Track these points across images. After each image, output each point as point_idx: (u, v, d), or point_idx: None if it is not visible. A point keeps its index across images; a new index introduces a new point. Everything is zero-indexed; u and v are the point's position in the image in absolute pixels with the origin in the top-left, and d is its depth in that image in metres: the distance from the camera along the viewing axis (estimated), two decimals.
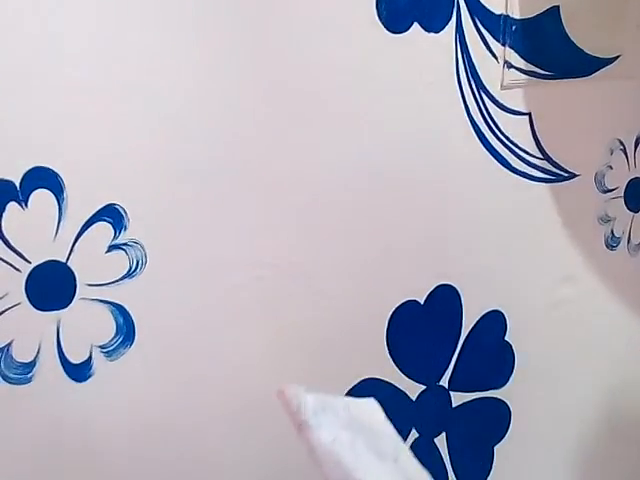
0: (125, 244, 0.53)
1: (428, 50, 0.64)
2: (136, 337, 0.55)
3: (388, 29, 0.62)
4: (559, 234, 0.77)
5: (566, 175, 0.75)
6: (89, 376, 0.53)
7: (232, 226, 0.58)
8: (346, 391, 0.66)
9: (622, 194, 0.80)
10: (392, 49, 0.63)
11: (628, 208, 0.81)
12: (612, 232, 0.80)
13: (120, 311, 0.54)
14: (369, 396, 0.66)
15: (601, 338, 0.82)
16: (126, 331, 0.54)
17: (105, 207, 0.52)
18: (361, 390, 0.67)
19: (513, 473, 0.79)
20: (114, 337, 0.54)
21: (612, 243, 0.81)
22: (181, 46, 0.54)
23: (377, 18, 0.61)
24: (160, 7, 0.52)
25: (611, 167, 0.78)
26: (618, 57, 0.74)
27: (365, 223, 0.65)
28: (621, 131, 0.77)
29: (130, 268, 0.54)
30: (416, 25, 0.63)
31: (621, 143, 0.78)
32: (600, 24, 0.73)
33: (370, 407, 0.51)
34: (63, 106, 0.50)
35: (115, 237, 0.53)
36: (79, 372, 0.53)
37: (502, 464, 0.77)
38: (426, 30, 0.64)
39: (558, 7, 0.70)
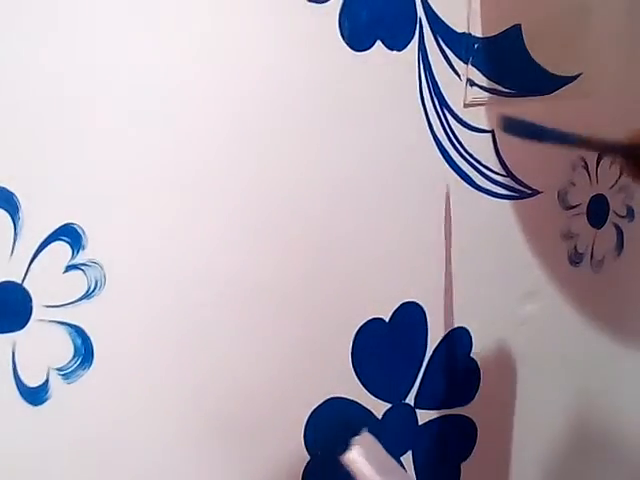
0: (83, 264, 0.52)
1: (391, 68, 0.65)
2: (95, 359, 0.53)
3: (351, 47, 0.62)
4: (523, 250, 0.77)
5: (529, 192, 0.76)
6: (46, 399, 0.52)
7: (194, 244, 0.57)
8: (311, 410, 0.66)
9: (585, 210, 0.81)
10: (355, 67, 0.63)
11: (591, 224, 0.82)
12: (575, 248, 0.81)
13: (78, 332, 0.53)
14: (335, 415, 0.66)
15: (566, 353, 0.83)
16: (84, 353, 0.53)
17: (62, 227, 0.51)
18: (326, 409, 0.66)
19: None
20: (72, 359, 0.53)
21: (575, 259, 0.81)
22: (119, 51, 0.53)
23: (339, 36, 0.61)
24: None
25: (574, 184, 0.79)
26: (579, 75, 0.75)
27: (329, 241, 0.64)
28: None
29: (88, 289, 0.53)
30: (379, 43, 0.63)
31: (583, 160, 0.79)
32: (561, 43, 0.74)
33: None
34: (18, 123, 0.49)
35: (73, 257, 0.52)
36: (35, 395, 0.52)
37: None
38: (389, 48, 0.64)
39: (520, 26, 0.70)
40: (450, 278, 0.72)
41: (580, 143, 0.63)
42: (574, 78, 0.75)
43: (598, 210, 0.82)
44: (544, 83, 0.73)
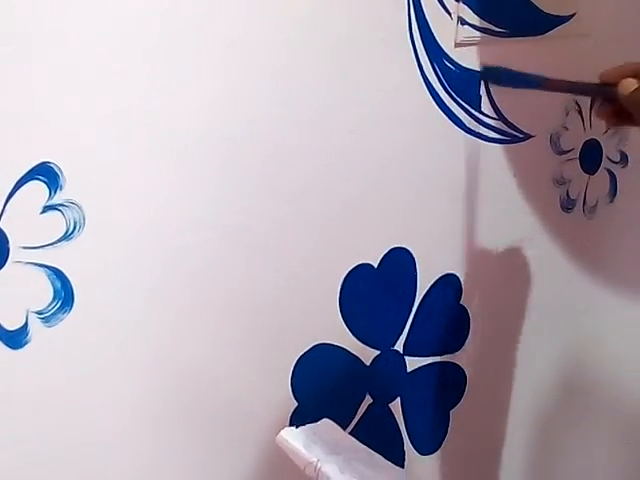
0: (61, 205, 0.51)
1: (380, 5, 0.62)
2: (75, 302, 0.52)
3: None
4: (515, 196, 0.76)
5: (521, 136, 0.74)
6: (25, 343, 0.51)
7: (177, 184, 0.55)
8: (298, 356, 0.65)
9: (577, 156, 0.80)
10: (342, 4, 0.60)
11: (584, 170, 0.81)
12: (567, 194, 0.80)
13: (57, 275, 0.51)
14: (322, 361, 0.66)
15: (557, 300, 0.82)
16: (64, 296, 0.52)
17: (38, 165, 0.49)
18: (314, 355, 0.66)
19: (469, 437, 0.79)
20: (51, 302, 0.51)
21: (568, 205, 0.80)
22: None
23: None
24: None
25: (567, 128, 0.78)
26: (573, 15, 0.73)
27: (314, 183, 0.63)
28: None
29: (67, 230, 0.51)
30: None
31: (577, 104, 0.78)
32: None
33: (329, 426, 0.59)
34: None
35: (50, 197, 0.50)
36: (15, 339, 0.50)
37: (458, 428, 0.77)
38: None
39: None
40: (441, 224, 0.71)
41: (551, 85, 0.64)
42: (568, 18, 0.73)
43: (591, 155, 0.81)
44: (538, 23, 0.71)
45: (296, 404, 0.65)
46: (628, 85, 0.58)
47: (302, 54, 0.59)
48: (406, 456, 0.73)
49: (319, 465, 0.53)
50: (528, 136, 0.75)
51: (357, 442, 0.57)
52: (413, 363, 0.73)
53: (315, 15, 0.60)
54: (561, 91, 0.64)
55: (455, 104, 0.69)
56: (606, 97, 0.61)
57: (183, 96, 0.55)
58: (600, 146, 0.81)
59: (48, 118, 0.49)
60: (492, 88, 0.70)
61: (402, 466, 0.73)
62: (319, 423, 0.58)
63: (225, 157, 0.58)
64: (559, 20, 0.73)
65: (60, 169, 0.50)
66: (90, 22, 0.50)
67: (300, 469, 0.55)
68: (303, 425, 0.58)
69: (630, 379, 0.89)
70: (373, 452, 0.56)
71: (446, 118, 0.69)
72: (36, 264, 0.51)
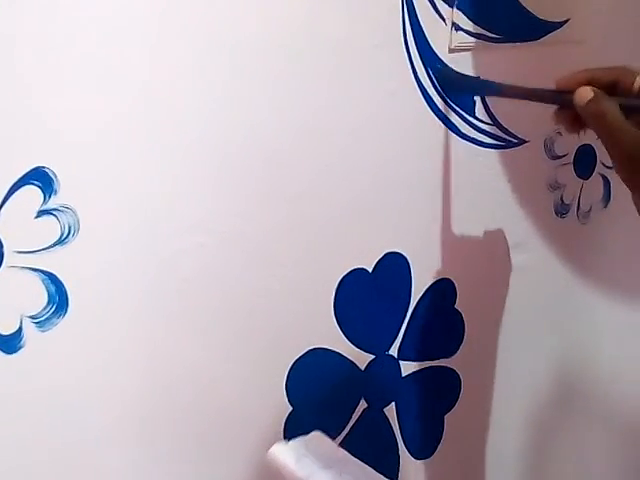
0: (56, 209, 0.51)
1: (374, 11, 0.63)
2: (70, 307, 0.52)
3: None
4: (509, 201, 0.76)
5: (515, 141, 0.75)
6: (19, 348, 0.51)
7: (172, 189, 0.55)
8: (293, 361, 0.65)
9: (571, 161, 0.80)
10: (338, 9, 0.61)
11: (577, 175, 0.81)
12: (562, 199, 0.80)
13: (51, 279, 0.51)
14: (317, 366, 0.66)
15: (551, 305, 0.82)
16: (58, 300, 0.52)
17: (32, 170, 0.49)
18: (309, 360, 0.66)
19: (464, 442, 0.79)
20: (46, 307, 0.51)
21: (562, 210, 0.81)
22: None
23: None
24: None
25: (560, 133, 0.78)
26: (567, 21, 0.74)
27: (309, 188, 0.63)
28: None
29: (62, 234, 0.51)
30: None
31: None
32: None
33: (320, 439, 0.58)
34: None
35: (44, 202, 0.50)
36: (9, 344, 0.50)
37: (452, 433, 0.77)
38: None
39: None
40: (436, 229, 0.71)
41: (509, 92, 0.63)
42: (562, 24, 0.73)
43: (585, 160, 0.81)
44: (532, 28, 0.72)
45: (291, 408, 0.65)
46: (584, 94, 0.56)
47: (298, 59, 0.60)
48: (401, 461, 0.73)
49: None
50: (522, 141, 0.75)
51: (348, 455, 0.57)
52: (408, 367, 0.73)
53: (311, 21, 0.60)
54: (519, 98, 0.63)
55: (449, 109, 0.69)
56: (562, 104, 0.59)
57: (179, 101, 0.55)
58: (594, 151, 0.82)
59: (43, 123, 0.49)
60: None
61: (396, 472, 0.73)
62: (309, 436, 0.58)
63: (220, 162, 0.58)
64: (553, 26, 0.73)
65: (55, 174, 0.50)
66: (86, 26, 0.50)
67: None
68: (294, 438, 0.58)
69: (625, 384, 0.89)
70: (365, 465, 0.56)
71: (441, 124, 0.69)
72: (31, 268, 0.51)
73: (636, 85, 0.57)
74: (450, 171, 0.71)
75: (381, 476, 0.55)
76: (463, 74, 0.67)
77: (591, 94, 0.56)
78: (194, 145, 0.56)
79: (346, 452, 0.57)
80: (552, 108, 0.74)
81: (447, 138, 0.70)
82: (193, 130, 0.56)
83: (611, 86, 0.57)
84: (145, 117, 0.53)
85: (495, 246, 0.76)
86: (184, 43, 0.54)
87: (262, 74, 0.58)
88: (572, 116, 0.58)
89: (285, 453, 0.55)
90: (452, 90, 0.67)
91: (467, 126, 0.71)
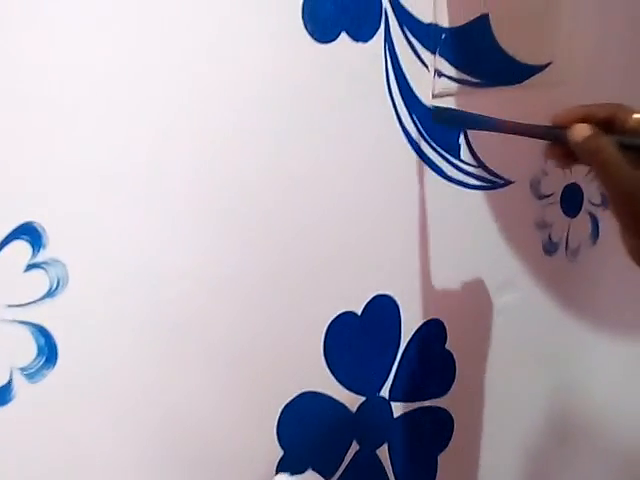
0: (45, 262, 0.52)
1: (357, 59, 0.64)
2: (59, 358, 0.53)
3: (315, 39, 0.61)
4: (497, 241, 0.77)
5: (502, 182, 0.76)
6: (10, 400, 0.52)
7: (158, 240, 0.56)
8: (284, 405, 0.65)
9: (558, 200, 0.81)
10: (320, 59, 0.62)
11: (565, 213, 0.82)
12: (550, 237, 0.81)
13: (41, 332, 0.52)
14: (308, 409, 0.66)
15: (541, 344, 0.83)
16: (48, 352, 0.53)
17: (22, 225, 0.51)
18: (299, 404, 0.66)
19: None
20: (35, 359, 0.52)
21: (550, 248, 0.81)
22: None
23: (304, 27, 0.61)
24: None
25: (546, 173, 0.79)
26: (549, 64, 0.75)
27: (296, 234, 0.64)
28: None
29: (50, 287, 0.52)
30: (344, 34, 0.63)
31: None
32: (530, 32, 0.74)
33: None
34: None
35: (33, 256, 0.51)
36: (0, 395, 0.51)
37: (446, 473, 0.77)
38: (354, 39, 0.63)
39: (487, 15, 0.70)
40: (424, 270, 0.72)
41: (502, 127, 0.63)
42: (544, 67, 0.75)
43: (572, 199, 0.82)
44: (514, 72, 0.73)
45: (282, 453, 0.66)
46: (580, 131, 0.56)
47: (283, 111, 0.61)
48: None
49: None
50: (508, 182, 0.76)
51: None
52: (399, 408, 0.73)
53: (293, 70, 0.61)
54: (512, 132, 0.63)
55: (435, 153, 0.70)
56: (556, 139, 0.59)
57: (168, 150, 0.56)
58: (581, 189, 0.83)
59: (32, 178, 0.51)
60: (471, 136, 0.72)
61: None
62: (304, 475, 0.58)
63: (208, 211, 0.59)
64: (535, 69, 0.74)
65: (43, 228, 0.52)
66: (78, 74, 0.51)
67: None
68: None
69: (617, 420, 0.89)
70: None
71: (427, 167, 0.70)
72: (20, 321, 0.51)
73: (631, 122, 0.56)
74: (437, 213, 0.72)
75: None
76: (456, 110, 0.68)
77: (589, 131, 0.56)
78: (182, 194, 0.57)
79: None
80: (538, 148, 0.76)
81: (434, 182, 0.71)
82: (182, 181, 0.57)
83: (606, 123, 0.57)
84: (132, 168, 0.55)
85: (484, 286, 0.77)
86: (174, 93, 0.56)
87: (249, 126, 0.59)
88: (564, 152, 0.58)
89: None
90: (447, 125, 0.69)
91: (453, 169, 0.72)
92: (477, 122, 0.66)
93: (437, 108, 0.64)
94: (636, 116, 0.57)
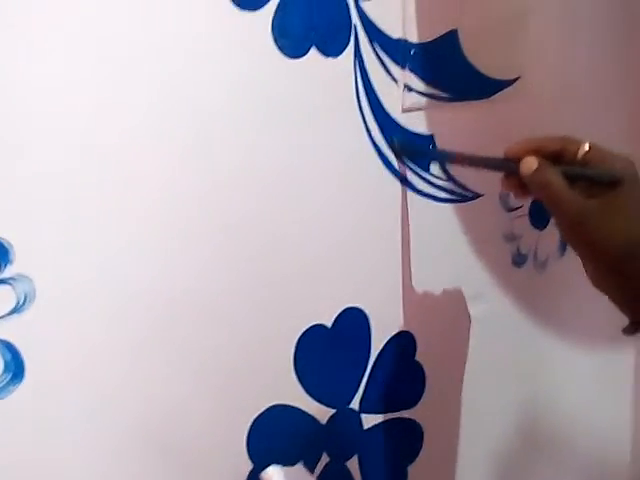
0: (11, 278, 0.52)
1: (327, 74, 0.65)
2: (25, 374, 0.53)
3: (285, 54, 0.62)
4: (466, 253, 0.78)
5: (471, 195, 0.77)
6: None
7: (125, 253, 0.56)
8: (254, 418, 0.66)
9: (527, 212, 0.82)
10: (290, 74, 0.62)
11: (534, 225, 0.83)
12: (518, 250, 0.82)
13: (8, 348, 0.52)
14: (278, 422, 0.66)
15: (510, 355, 0.83)
16: (14, 369, 0.52)
17: None
18: (269, 416, 0.66)
19: None
20: (2, 375, 0.52)
21: (519, 260, 0.82)
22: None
23: (273, 43, 0.61)
24: None
25: None
26: (517, 79, 0.76)
27: (268, 247, 0.64)
28: None
29: (17, 303, 0.52)
30: (314, 49, 0.63)
31: None
32: (499, 47, 0.75)
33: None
34: None
35: (0, 271, 0.51)
36: None
37: None
38: (324, 54, 0.64)
39: (456, 31, 0.71)
40: (394, 283, 0.73)
41: (459, 159, 0.64)
42: (512, 82, 0.76)
43: (541, 211, 0.83)
44: (482, 87, 0.74)
45: (252, 465, 0.66)
46: (529, 165, 0.57)
47: (250, 125, 0.61)
48: None
49: None
50: (477, 195, 0.77)
51: None
52: (369, 420, 0.74)
53: (263, 86, 0.61)
54: (468, 165, 0.64)
55: (405, 167, 0.71)
56: (510, 172, 0.60)
57: (134, 162, 0.56)
58: None
59: None
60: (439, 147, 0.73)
61: None
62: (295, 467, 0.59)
63: (179, 223, 0.59)
64: (503, 84, 0.75)
65: (10, 243, 0.51)
66: (45, 91, 0.51)
67: None
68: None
69: (584, 429, 0.90)
70: None
71: (397, 181, 0.71)
72: None
73: (580, 154, 0.58)
74: (408, 226, 0.72)
75: None
76: (417, 145, 0.70)
77: (536, 164, 0.57)
78: (145, 207, 0.57)
79: None
80: None
81: (404, 195, 0.71)
82: (149, 191, 0.57)
83: (556, 154, 0.59)
84: (98, 181, 0.55)
85: (454, 297, 0.78)
86: (140, 109, 0.56)
87: (219, 141, 0.60)
88: (519, 183, 0.59)
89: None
90: (409, 159, 0.70)
91: (423, 182, 0.73)
92: (436, 156, 0.70)
93: (398, 143, 0.65)
94: (584, 148, 0.58)
